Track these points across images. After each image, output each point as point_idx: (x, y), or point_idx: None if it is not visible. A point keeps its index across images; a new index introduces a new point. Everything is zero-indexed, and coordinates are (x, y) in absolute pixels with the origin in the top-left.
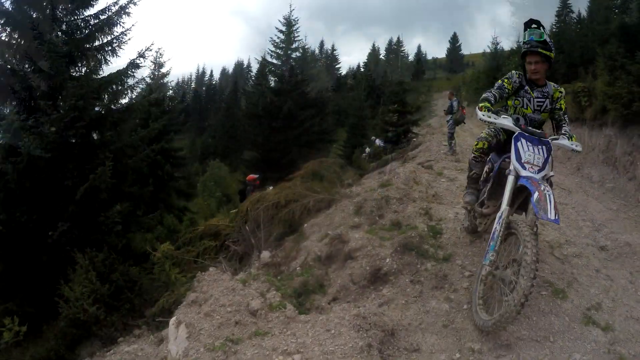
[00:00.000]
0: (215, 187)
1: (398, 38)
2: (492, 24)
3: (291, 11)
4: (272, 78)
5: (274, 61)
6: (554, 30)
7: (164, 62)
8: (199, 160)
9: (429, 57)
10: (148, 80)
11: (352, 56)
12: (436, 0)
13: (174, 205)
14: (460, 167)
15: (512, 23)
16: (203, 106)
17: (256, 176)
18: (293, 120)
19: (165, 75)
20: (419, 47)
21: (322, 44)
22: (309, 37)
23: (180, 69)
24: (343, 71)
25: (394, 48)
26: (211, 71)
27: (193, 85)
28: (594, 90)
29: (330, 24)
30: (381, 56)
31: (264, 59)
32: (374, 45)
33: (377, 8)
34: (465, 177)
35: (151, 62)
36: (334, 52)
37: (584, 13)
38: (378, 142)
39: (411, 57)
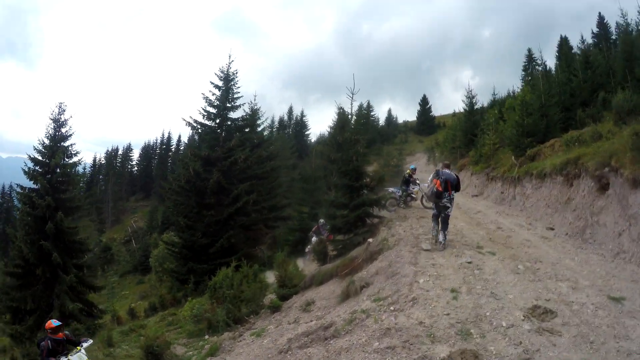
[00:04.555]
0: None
1: (368, 102)
2: (454, 86)
3: (230, 63)
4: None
5: (207, 122)
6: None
7: (66, 119)
8: (160, 230)
9: (400, 120)
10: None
11: (324, 124)
12: (402, 67)
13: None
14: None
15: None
16: (166, 173)
17: (55, 325)
18: (225, 195)
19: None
20: (389, 111)
21: (290, 110)
22: (282, 104)
23: (146, 134)
24: (313, 138)
25: (364, 113)
26: (179, 136)
27: (158, 150)
28: None
29: (302, 93)
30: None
31: (191, 119)
32: (342, 110)
33: (347, 77)
34: None
35: (50, 119)
36: (303, 117)
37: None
38: (321, 230)
39: (382, 122)
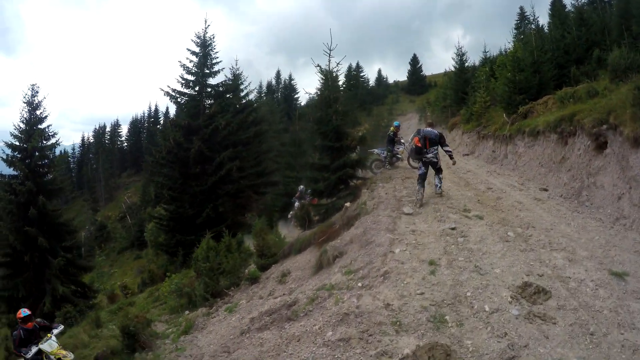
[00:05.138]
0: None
1: (357, 63)
2: (445, 46)
3: (206, 28)
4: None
5: (186, 90)
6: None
7: (40, 101)
8: (153, 204)
9: (390, 80)
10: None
11: (314, 87)
12: (391, 28)
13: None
14: None
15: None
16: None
17: (24, 315)
18: (209, 164)
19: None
20: (379, 71)
21: (278, 74)
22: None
23: (133, 108)
24: (303, 101)
25: (354, 74)
26: (167, 108)
27: (146, 124)
28: None
29: (290, 57)
30: (340, 82)
31: (169, 88)
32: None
33: (335, 40)
34: None
35: (23, 102)
36: (292, 81)
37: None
38: (304, 195)
39: (372, 82)
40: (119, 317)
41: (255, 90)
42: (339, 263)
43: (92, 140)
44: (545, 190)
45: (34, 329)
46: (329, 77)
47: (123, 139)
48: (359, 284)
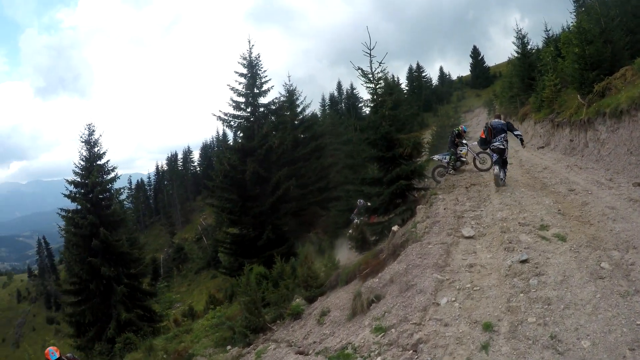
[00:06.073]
0: None
1: (417, 64)
2: (504, 33)
3: (251, 48)
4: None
5: (237, 113)
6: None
7: (97, 139)
8: (227, 225)
9: (454, 77)
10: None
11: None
12: (445, 21)
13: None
14: None
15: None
16: None
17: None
18: (265, 185)
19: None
20: (440, 69)
21: (339, 85)
22: (333, 82)
23: (204, 133)
24: (367, 110)
25: (415, 75)
26: (223, 132)
27: (215, 148)
28: None
29: (350, 67)
30: (403, 85)
31: (221, 113)
32: (392, 75)
33: (395, 42)
34: None
35: (81, 141)
36: (354, 90)
37: None
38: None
39: (435, 81)
40: (172, 346)
41: (319, 104)
42: (373, 311)
43: (166, 168)
44: None
45: None
46: (371, 79)
47: (195, 164)
48: (382, 357)
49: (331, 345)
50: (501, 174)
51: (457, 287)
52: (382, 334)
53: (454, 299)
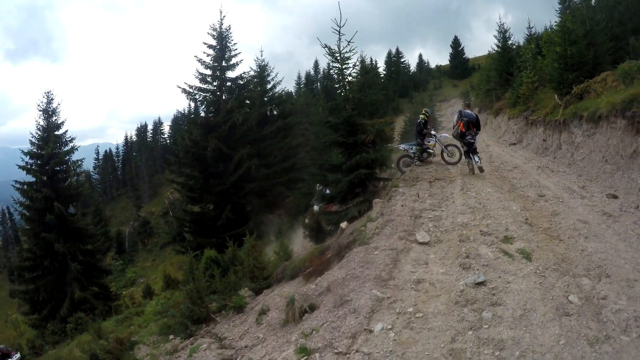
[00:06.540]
0: None
1: (397, 49)
2: (486, 26)
3: (222, 19)
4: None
5: (203, 86)
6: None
7: (55, 108)
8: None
9: (432, 65)
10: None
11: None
12: (429, 9)
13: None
14: None
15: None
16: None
17: None
18: (227, 162)
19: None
20: (420, 56)
21: (316, 64)
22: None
23: (177, 105)
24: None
25: (394, 60)
26: (189, 105)
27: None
28: None
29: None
30: (380, 69)
31: (186, 85)
32: (371, 59)
33: (374, 25)
34: None
35: (38, 110)
36: (331, 70)
37: None
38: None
39: (413, 68)
40: (122, 329)
41: (294, 82)
42: (305, 322)
43: (135, 139)
44: (615, 197)
45: None
46: (338, 58)
47: (165, 136)
48: None
49: (254, 358)
50: (477, 160)
51: (398, 309)
52: (305, 357)
53: (390, 326)
